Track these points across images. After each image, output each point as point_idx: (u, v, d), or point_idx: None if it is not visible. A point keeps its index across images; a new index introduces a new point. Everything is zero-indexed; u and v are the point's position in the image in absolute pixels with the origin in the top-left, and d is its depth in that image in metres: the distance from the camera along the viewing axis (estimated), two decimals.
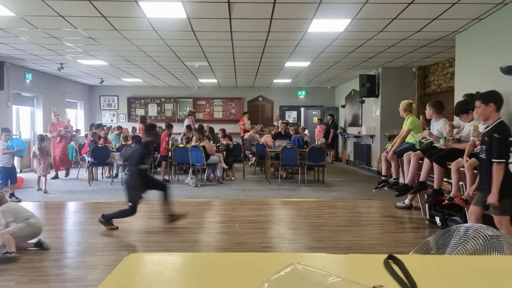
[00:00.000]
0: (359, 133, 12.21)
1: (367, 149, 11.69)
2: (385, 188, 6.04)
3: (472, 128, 4.35)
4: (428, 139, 5.34)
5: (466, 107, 4.88)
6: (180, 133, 11.48)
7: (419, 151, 5.40)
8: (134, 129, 12.41)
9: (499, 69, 5.51)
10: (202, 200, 7.28)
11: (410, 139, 5.94)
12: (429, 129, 5.63)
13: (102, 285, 0.92)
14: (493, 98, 3.65)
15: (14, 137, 7.35)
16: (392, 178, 6.05)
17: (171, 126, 10.01)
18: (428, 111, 5.59)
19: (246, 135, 12.50)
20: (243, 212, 6.36)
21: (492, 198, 3.54)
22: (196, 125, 10.86)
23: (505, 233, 3.69)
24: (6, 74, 9.75)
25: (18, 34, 7.06)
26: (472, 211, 3.91)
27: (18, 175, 9.70)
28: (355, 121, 13.00)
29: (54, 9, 5.56)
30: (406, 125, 5.88)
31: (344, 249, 4.46)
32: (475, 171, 4.24)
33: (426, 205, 5.72)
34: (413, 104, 6.16)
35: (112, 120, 15.25)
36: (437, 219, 5.43)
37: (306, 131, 12.41)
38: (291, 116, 15.90)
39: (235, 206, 6.68)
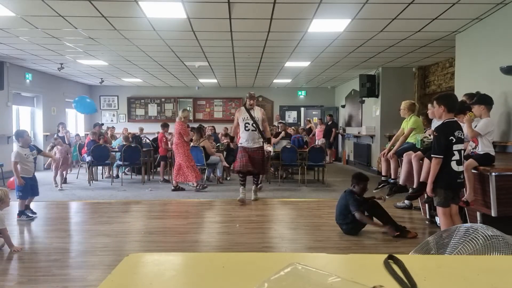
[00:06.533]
0: (359, 133, 12.22)
1: (367, 149, 11.69)
2: (386, 196, 6.04)
3: (467, 115, 4.42)
4: (430, 139, 5.34)
5: (463, 108, 4.88)
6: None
7: (419, 152, 5.39)
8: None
9: (499, 69, 5.51)
10: (202, 200, 7.28)
11: (410, 139, 5.94)
12: (430, 128, 5.63)
13: (102, 285, 0.92)
14: (445, 100, 3.94)
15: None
16: (391, 179, 6.04)
17: (167, 125, 9.97)
18: (431, 110, 5.56)
19: None
20: (243, 212, 6.36)
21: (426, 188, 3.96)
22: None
23: (440, 224, 3.98)
24: (6, 74, 9.75)
25: (18, 34, 7.06)
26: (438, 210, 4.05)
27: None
28: (355, 121, 13.01)
29: (54, 9, 5.56)
30: (409, 125, 5.86)
31: (344, 249, 4.46)
32: (473, 171, 4.24)
33: (426, 205, 5.72)
34: (416, 104, 6.16)
35: (112, 120, 15.26)
36: (437, 219, 5.42)
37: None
38: (291, 116, 15.91)
39: (235, 206, 6.67)
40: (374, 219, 5.02)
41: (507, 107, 5.58)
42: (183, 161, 8.05)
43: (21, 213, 5.81)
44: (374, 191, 6.35)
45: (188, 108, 15.45)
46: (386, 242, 4.78)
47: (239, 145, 7.03)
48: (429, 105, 5.64)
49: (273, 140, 9.77)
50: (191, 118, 15.21)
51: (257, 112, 6.92)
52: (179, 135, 8.07)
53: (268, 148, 6.69)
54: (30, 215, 5.94)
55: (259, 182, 7.62)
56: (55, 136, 9.46)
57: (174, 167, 8.28)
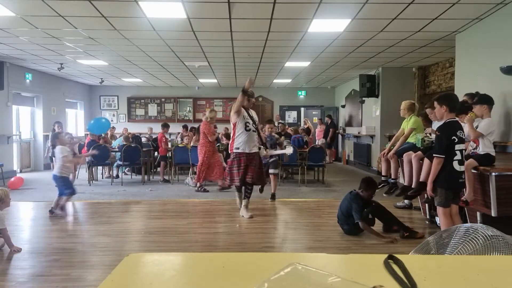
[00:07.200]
0: (359, 133, 12.22)
1: (367, 149, 11.69)
2: (384, 194, 6.02)
3: (468, 115, 4.43)
4: (430, 138, 5.34)
5: (464, 108, 4.88)
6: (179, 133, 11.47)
7: (419, 152, 5.38)
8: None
9: (499, 69, 5.51)
10: (202, 200, 7.27)
11: (410, 139, 5.94)
12: (430, 128, 5.63)
13: (102, 285, 0.92)
14: (446, 100, 3.93)
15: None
16: (391, 179, 6.03)
17: (167, 126, 9.95)
18: (432, 113, 5.53)
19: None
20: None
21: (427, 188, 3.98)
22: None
23: (440, 224, 3.98)
24: (6, 74, 9.76)
25: (18, 34, 7.06)
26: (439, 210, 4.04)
27: (18, 175, 9.76)
28: (355, 121, 13.01)
29: (54, 9, 5.56)
30: (409, 125, 5.86)
31: (344, 249, 4.46)
32: (473, 171, 4.24)
33: (426, 205, 5.72)
34: (416, 104, 6.16)
35: (112, 120, 15.23)
36: (437, 219, 5.42)
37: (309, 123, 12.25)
38: (291, 116, 15.90)
39: (235, 206, 6.67)
40: (376, 229, 4.93)
41: (507, 107, 5.58)
42: (200, 162, 7.97)
43: (62, 208, 6.05)
44: None
45: (188, 109, 15.48)
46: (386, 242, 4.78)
47: (234, 151, 5.77)
48: (429, 110, 5.58)
49: (281, 139, 9.59)
50: (190, 118, 15.24)
51: (253, 113, 6.00)
52: (203, 135, 8.01)
53: (264, 152, 6.11)
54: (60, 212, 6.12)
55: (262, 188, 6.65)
56: (64, 134, 8.98)
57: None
